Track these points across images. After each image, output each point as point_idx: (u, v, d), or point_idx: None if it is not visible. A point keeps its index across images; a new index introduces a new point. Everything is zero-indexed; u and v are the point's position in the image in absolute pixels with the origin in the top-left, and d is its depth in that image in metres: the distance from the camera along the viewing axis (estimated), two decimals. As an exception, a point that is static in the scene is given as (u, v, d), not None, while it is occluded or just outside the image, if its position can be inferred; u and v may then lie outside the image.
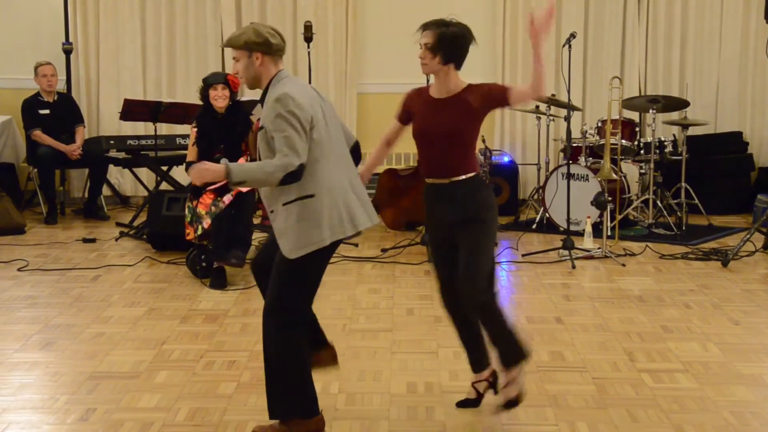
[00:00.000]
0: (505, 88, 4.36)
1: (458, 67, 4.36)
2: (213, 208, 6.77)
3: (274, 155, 4.00)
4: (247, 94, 8.50)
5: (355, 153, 4.42)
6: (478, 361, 4.62)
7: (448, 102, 4.35)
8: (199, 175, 4.12)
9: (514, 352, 4.38)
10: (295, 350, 4.18)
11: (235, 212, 6.81)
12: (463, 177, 4.33)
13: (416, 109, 4.47)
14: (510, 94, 4.31)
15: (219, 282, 6.82)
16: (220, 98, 6.85)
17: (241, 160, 6.82)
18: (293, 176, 3.98)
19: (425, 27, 4.36)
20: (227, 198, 6.75)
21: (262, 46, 4.13)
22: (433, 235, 4.55)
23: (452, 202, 4.35)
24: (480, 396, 4.65)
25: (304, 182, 4.04)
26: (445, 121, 4.32)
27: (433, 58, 4.32)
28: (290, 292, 4.14)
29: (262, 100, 4.18)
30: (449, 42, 4.30)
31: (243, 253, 6.80)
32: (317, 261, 4.14)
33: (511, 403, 4.39)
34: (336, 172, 4.15)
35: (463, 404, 4.65)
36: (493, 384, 4.60)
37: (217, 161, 6.75)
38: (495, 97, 4.33)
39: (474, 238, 4.30)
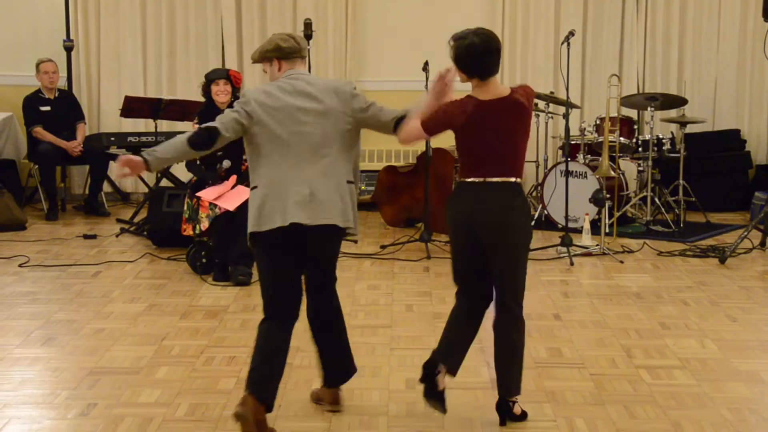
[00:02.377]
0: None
1: (483, 78, 4.28)
2: (211, 211, 6.79)
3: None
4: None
5: (396, 124, 4.42)
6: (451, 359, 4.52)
7: (503, 102, 4.31)
8: (120, 171, 4.24)
9: (517, 382, 4.39)
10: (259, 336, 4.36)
11: (238, 224, 6.81)
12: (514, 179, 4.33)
13: (472, 115, 4.31)
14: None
15: (222, 275, 6.83)
16: (221, 93, 6.86)
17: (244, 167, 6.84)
18: (199, 136, 4.28)
19: (450, 40, 4.33)
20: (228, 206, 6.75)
21: (275, 52, 4.39)
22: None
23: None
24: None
25: (254, 174, 4.33)
26: (508, 121, 4.31)
27: (460, 73, 4.30)
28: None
29: None
30: (463, 57, 4.26)
31: (249, 268, 6.83)
32: (259, 248, 4.34)
33: (518, 418, 4.42)
34: (274, 172, 4.26)
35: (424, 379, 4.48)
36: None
37: (219, 159, 6.84)
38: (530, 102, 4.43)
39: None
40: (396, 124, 4.38)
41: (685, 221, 8.62)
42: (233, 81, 6.90)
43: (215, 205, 6.76)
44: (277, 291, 4.33)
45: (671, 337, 5.64)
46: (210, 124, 4.27)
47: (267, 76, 4.46)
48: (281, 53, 4.39)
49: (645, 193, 8.59)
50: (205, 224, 6.82)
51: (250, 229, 4.31)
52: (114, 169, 4.35)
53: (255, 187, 4.31)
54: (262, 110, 4.26)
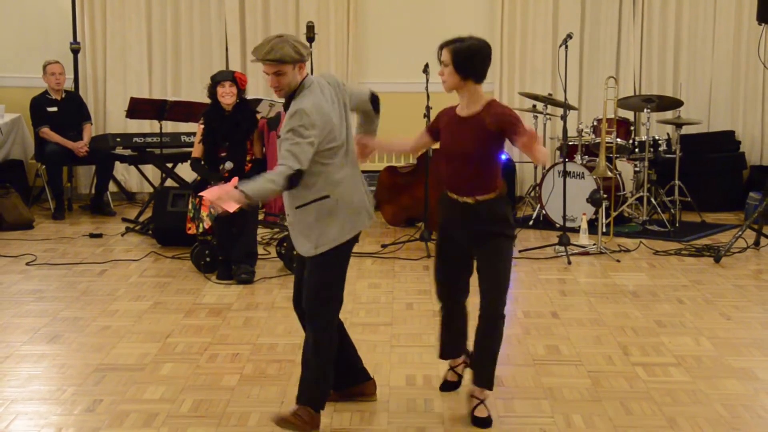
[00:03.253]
0: (516, 127, 4.20)
1: (478, 81, 4.31)
2: (212, 210, 6.78)
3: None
4: (251, 93, 8.48)
5: (374, 103, 4.55)
6: (455, 350, 4.74)
7: (469, 121, 4.33)
8: (218, 202, 4.11)
9: (489, 378, 4.45)
10: (333, 343, 4.35)
11: (240, 225, 6.82)
12: (481, 197, 4.33)
13: (443, 126, 4.46)
14: (516, 139, 4.17)
15: (225, 273, 6.85)
16: (227, 95, 6.86)
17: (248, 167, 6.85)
18: (292, 181, 4.09)
19: (442, 46, 4.33)
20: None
21: (308, 55, 4.29)
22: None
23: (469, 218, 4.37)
24: (460, 377, 4.77)
25: (318, 185, 4.20)
26: (463, 140, 4.32)
27: (452, 75, 4.30)
28: (324, 287, 4.27)
29: (286, 106, 4.26)
30: (464, 57, 4.26)
31: (252, 266, 6.84)
32: (338, 256, 4.28)
33: (482, 422, 4.40)
34: (347, 173, 4.29)
35: (445, 387, 4.76)
36: (468, 364, 4.70)
37: (223, 160, 6.85)
38: (506, 127, 4.24)
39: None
40: (372, 98, 4.51)
41: (680, 221, 8.62)
42: (238, 83, 6.90)
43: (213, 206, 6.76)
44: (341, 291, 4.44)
45: (667, 334, 5.65)
46: (293, 166, 4.06)
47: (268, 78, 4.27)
48: (303, 59, 4.25)
49: (641, 194, 8.59)
50: (207, 223, 6.84)
51: (344, 238, 4.27)
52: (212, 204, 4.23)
53: (327, 197, 4.22)
54: (327, 121, 4.18)
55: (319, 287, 4.27)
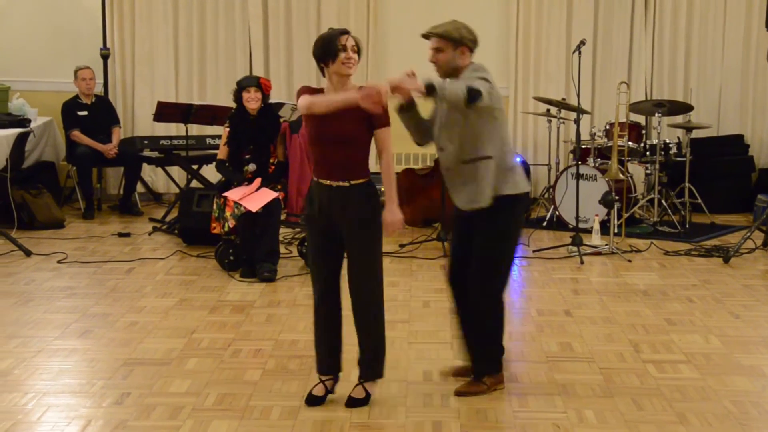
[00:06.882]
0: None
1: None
2: (236, 210, 6.81)
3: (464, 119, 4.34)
4: (274, 97, 8.49)
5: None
6: None
7: None
8: (395, 83, 4.17)
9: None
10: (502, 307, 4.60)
11: (263, 224, 6.83)
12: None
13: None
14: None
15: (248, 271, 6.85)
16: (252, 100, 6.87)
17: (271, 169, 6.86)
18: (473, 96, 4.18)
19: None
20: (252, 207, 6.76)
21: (471, 43, 4.43)
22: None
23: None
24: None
25: (486, 144, 4.37)
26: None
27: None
28: (499, 260, 4.49)
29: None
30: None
31: (274, 265, 6.84)
32: (519, 214, 4.52)
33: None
34: (506, 146, 4.48)
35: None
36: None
37: (246, 162, 6.87)
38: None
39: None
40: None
41: (690, 222, 8.58)
42: (263, 88, 6.92)
43: (240, 204, 6.78)
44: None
45: (677, 332, 5.62)
46: (478, 87, 4.22)
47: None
48: (474, 45, 4.46)
49: (652, 196, 8.55)
50: (231, 222, 6.85)
51: (522, 189, 4.47)
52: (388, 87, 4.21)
53: (490, 157, 4.38)
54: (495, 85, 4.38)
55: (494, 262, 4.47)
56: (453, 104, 4.26)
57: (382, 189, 4.41)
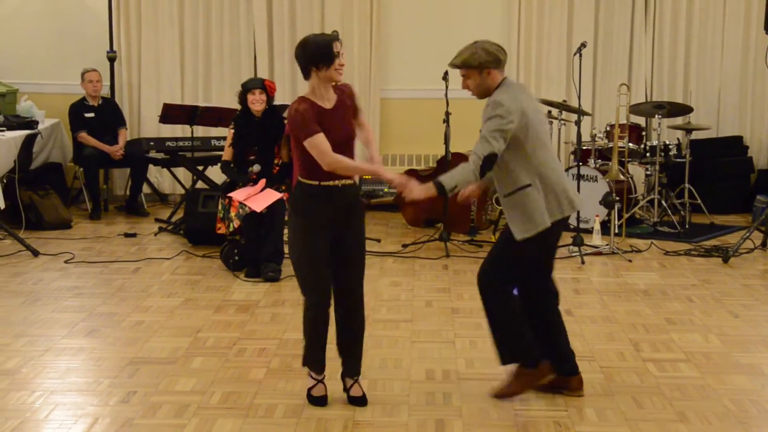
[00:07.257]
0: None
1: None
2: (240, 210, 6.83)
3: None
4: (279, 99, 8.51)
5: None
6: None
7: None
8: (410, 195, 4.33)
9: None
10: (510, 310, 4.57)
11: (268, 225, 6.84)
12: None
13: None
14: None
15: (253, 271, 6.86)
16: (257, 102, 6.89)
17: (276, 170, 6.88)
18: (485, 164, 4.21)
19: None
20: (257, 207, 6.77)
21: (492, 63, 4.34)
22: None
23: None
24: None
25: (521, 175, 4.32)
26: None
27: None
28: (507, 268, 4.49)
29: None
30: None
31: (279, 264, 6.85)
32: (543, 240, 4.40)
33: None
34: (548, 161, 4.38)
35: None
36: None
37: (251, 163, 6.89)
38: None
39: None
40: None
41: (690, 223, 8.58)
42: (268, 90, 6.94)
43: (244, 205, 6.80)
44: (542, 272, 4.68)
45: (677, 331, 5.63)
46: (488, 150, 4.21)
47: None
48: (498, 64, 4.36)
49: (652, 196, 8.56)
50: (236, 222, 6.87)
51: (555, 217, 4.38)
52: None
53: (528, 185, 4.33)
54: (533, 115, 4.34)
55: (503, 267, 4.47)
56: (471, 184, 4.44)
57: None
